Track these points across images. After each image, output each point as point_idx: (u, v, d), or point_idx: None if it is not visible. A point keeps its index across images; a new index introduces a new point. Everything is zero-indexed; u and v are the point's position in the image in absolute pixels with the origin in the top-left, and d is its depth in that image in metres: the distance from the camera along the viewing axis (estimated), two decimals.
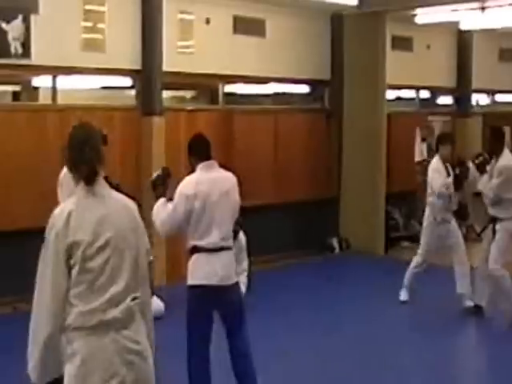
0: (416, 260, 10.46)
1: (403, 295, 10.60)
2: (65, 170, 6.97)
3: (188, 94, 14.00)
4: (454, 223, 10.26)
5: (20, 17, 10.17)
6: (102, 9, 11.11)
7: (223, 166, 6.65)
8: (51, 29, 10.50)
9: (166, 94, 12.11)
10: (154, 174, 7.01)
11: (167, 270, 11.62)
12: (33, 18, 10.30)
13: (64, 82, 11.03)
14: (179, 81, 12.52)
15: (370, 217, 14.13)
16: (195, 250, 6.22)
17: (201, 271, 6.17)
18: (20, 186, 10.24)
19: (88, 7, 10.96)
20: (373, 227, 14.15)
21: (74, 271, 3.85)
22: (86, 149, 4.00)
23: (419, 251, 10.43)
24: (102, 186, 4.08)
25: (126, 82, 11.94)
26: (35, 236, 9.96)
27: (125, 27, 11.44)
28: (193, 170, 6.43)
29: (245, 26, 13.08)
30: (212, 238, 6.13)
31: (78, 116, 10.77)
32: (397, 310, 10.47)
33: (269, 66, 13.47)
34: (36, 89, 11.45)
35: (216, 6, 12.54)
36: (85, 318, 3.85)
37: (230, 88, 13.32)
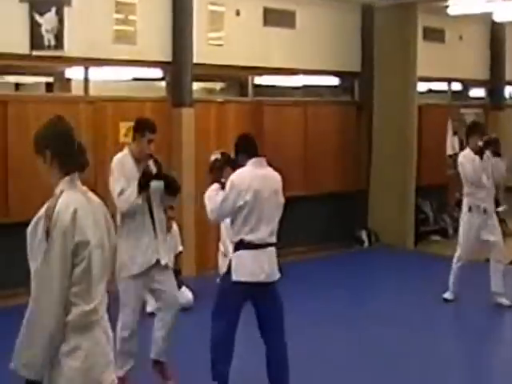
0: (456, 255, 10.25)
1: (447, 293, 10.33)
2: (117, 157, 7.07)
3: (218, 85, 14.06)
4: (493, 216, 10.13)
5: (53, 9, 10.26)
6: (133, 1, 11.18)
7: None
8: (83, 21, 10.58)
9: (195, 85, 12.18)
10: (213, 157, 7.07)
11: (196, 261, 11.69)
12: (66, 10, 10.38)
13: (96, 74, 11.12)
14: (209, 72, 12.55)
15: (400, 210, 14.08)
16: (241, 245, 6.28)
17: (247, 268, 6.26)
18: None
19: None
20: (402, 220, 14.10)
21: (79, 269, 3.83)
22: (74, 140, 4.01)
23: (458, 245, 10.29)
24: (78, 179, 4.05)
25: (157, 73, 12.01)
26: None
27: (156, 19, 11.51)
28: (235, 167, 6.53)
29: (275, 17, 13.08)
30: (261, 234, 6.25)
31: (110, 107, 11.01)
32: (427, 305, 10.36)
33: (298, 57, 13.47)
34: (68, 80, 11.56)
35: None
36: (86, 317, 3.87)
37: (259, 80, 13.34)
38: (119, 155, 7.02)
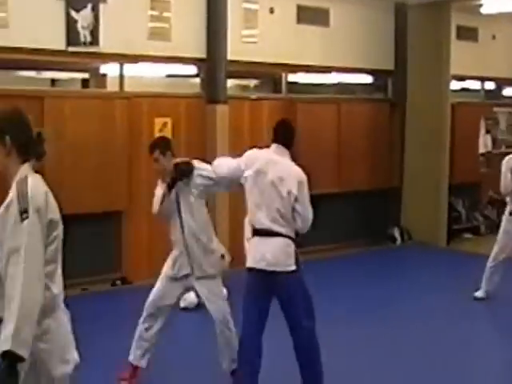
0: (492, 254, 10.18)
1: (479, 292, 10.26)
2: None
3: (251, 82, 14.11)
4: None
5: (89, 6, 10.36)
6: None
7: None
8: (119, 17, 10.67)
9: (229, 82, 12.23)
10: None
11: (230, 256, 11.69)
12: (101, 6, 10.49)
13: (131, 70, 11.21)
14: (243, 69, 12.61)
15: (433, 208, 14.05)
16: (252, 230, 6.27)
17: (250, 253, 6.26)
18: (87, 172, 10.42)
19: None
20: (435, 218, 14.06)
21: (51, 248, 3.90)
22: (32, 129, 4.05)
23: (495, 244, 10.20)
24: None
25: (191, 70, 12.07)
26: (100, 220, 10.25)
27: (190, 16, 11.58)
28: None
29: (308, 15, 13.11)
30: (259, 218, 6.16)
31: (145, 103, 11.09)
32: (459, 303, 10.30)
33: (332, 55, 13.49)
34: (104, 76, 11.65)
35: None
36: (55, 300, 3.93)
37: (293, 77, 13.37)
38: None
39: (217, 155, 11.50)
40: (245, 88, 14.02)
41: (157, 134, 11.07)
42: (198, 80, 12.13)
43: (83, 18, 10.33)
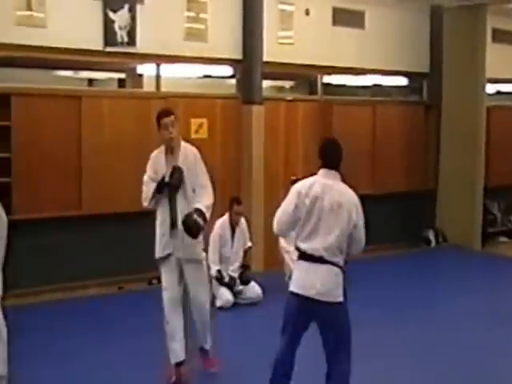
0: None
1: None
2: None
3: (287, 84, 14.12)
4: None
5: (126, 6, 10.43)
6: None
7: None
8: (155, 18, 10.74)
9: (265, 83, 12.25)
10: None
11: (265, 257, 11.75)
12: (138, 7, 10.56)
13: (167, 70, 11.26)
14: (278, 71, 12.61)
15: (468, 210, 13.98)
16: (299, 253, 5.94)
17: (299, 280, 5.93)
18: (123, 171, 10.46)
19: None
20: (470, 221, 13.99)
21: None
22: None
23: None
24: None
25: (227, 71, 12.10)
26: (135, 218, 10.30)
27: (226, 17, 11.61)
28: None
29: (344, 17, 13.11)
30: (314, 244, 5.83)
31: (182, 103, 11.13)
32: (493, 306, 10.24)
33: (367, 57, 13.47)
34: (140, 76, 11.71)
35: None
36: None
37: (328, 79, 13.36)
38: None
39: (252, 156, 11.63)
40: (280, 89, 14.04)
41: (193, 135, 11.14)
42: (233, 81, 12.16)
43: (120, 18, 10.41)
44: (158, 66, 11.10)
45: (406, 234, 14.09)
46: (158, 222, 7.13)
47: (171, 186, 6.94)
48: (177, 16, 11.06)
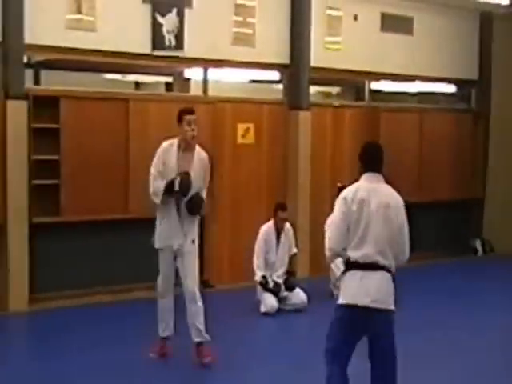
0: None
1: None
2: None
3: (334, 89, 14.06)
4: None
5: (174, 10, 10.46)
6: (252, 3, 11.28)
7: None
8: (203, 22, 10.74)
9: (312, 89, 12.21)
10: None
11: (310, 263, 11.68)
12: (186, 11, 10.57)
13: (214, 75, 11.26)
14: (326, 76, 12.57)
15: None
16: (348, 264, 5.65)
17: (350, 290, 5.59)
18: None
19: (239, 2, 11.14)
20: None
21: None
22: None
23: None
24: None
25: (274, 76, 12.07)
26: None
27: (274, 22, 11.58)
28: None
29: (392, 23, 13.02)
30: (366, 250, 5.57)
31: (229, 108, 11.12)
32: None
33: (415, 64, 13.35)
34: (187, 80, 11.73)
35: (364, 3, 12.54)
36: None
37: (375, 85, 13.28)
38: None
39: (298, 162, 11.58)
40: (327, 95, 13.98)
41: (239, 140, 11.12)
42: (280, 86, 12.12)
43: (168, 22, 10.43)
44: (205, 70, 11.11)
45: (453, 243, 13.94)
46: (160, 216, 7.57)
47: (180, 193, 7.26)
48: (225, 20, 11.05)
